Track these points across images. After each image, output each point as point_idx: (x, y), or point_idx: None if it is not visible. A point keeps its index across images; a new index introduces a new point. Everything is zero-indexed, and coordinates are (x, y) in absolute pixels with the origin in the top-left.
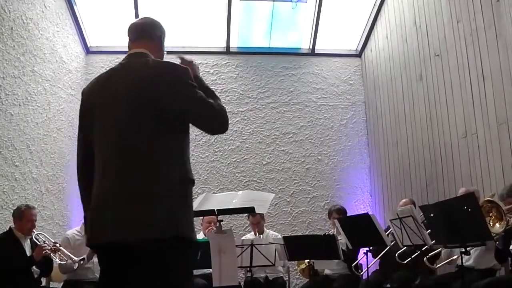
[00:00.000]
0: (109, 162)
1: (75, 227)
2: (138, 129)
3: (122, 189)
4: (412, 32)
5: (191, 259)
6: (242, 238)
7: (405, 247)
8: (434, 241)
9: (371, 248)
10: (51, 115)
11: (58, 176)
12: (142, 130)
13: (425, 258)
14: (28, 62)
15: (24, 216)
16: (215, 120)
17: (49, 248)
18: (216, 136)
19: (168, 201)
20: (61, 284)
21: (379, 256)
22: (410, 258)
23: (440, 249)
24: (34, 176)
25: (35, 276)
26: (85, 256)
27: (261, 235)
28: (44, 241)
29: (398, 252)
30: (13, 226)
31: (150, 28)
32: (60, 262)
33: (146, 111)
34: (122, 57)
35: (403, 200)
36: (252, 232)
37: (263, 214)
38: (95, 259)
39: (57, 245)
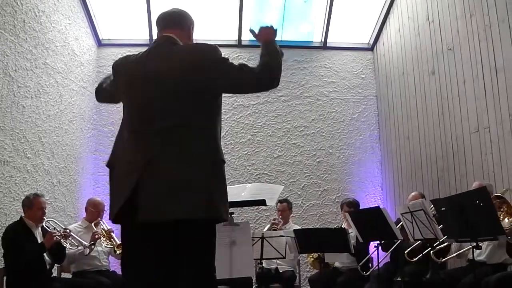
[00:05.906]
0: (146, 138)
1: (77, 223)
2: (177, 108)
3: (162, 170)
4: (424, 26)
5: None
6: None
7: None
8: (445, 235)
9: (382, 242)
10: (62, 108)
11: (70, 168)
12: (181, 109)
13: (431, 252)
14: (40, 54)
15: (34, 204)
16: (259, 81)
17: (59, 234)
18: (227, 129)
19: (207, 183)
20: (71, 275)
21: (390, 250)
22: (421, 254)
23: (447, 243)
24: (46, 168)
25: (48, 266)
26: (94, 241)
27: (285, 225)
28: (54, 228)
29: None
30: (24, 215)
31: (179, 18)
32: (71, 248)
33: (184, 90)
34: (134, 49)
35: (413, 194)
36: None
37: (291, 203)
38: (99, 248)
39: (67, 231)
